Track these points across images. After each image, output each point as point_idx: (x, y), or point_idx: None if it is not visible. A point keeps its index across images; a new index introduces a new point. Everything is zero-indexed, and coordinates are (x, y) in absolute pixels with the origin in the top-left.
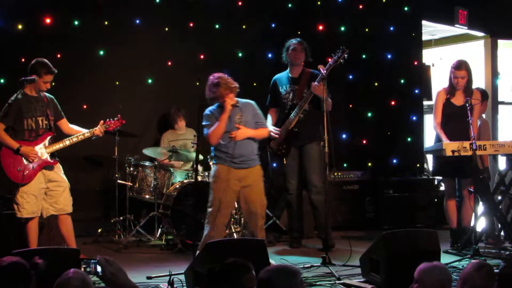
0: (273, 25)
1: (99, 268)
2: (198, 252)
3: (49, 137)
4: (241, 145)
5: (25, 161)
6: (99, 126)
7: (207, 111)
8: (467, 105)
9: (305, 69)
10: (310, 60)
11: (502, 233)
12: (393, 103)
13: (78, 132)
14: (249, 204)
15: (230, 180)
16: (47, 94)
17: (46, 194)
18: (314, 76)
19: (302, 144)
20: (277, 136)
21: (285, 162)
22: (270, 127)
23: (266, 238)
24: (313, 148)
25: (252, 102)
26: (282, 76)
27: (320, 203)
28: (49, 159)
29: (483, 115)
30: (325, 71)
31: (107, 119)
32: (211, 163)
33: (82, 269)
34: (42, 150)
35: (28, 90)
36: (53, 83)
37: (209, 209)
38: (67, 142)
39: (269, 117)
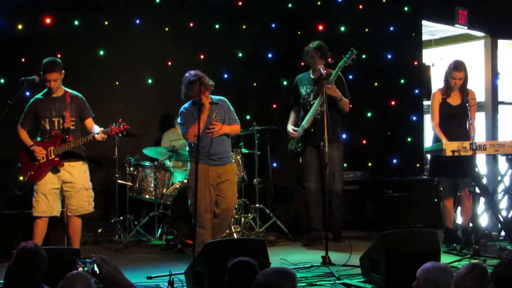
0: (273, 25)
1: (96, 268)
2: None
3: (61, 139)
4: (217, 142)
5: (34, 161)
6: (100, 132)
7: (182, 109)
8: (466, 105)
9: (326, 70)
10: (330, 62)
11: (502, 233)
12: (393, 103)
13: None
14: (226, 199)
15: (209, 176)
16: (73, 93)
17: (63, 195)
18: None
19: (319, 145)
20: (294, 135)
21: (300, 161)
22: (288, 127)
23: (266, 238)
24: (332, 152)
25: (225, 98)
26: (304, 77)
27: (337, 205)
28: (56, 160)
29: None
30: (325, 72)
31: (111, 124)
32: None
33: (80, 268)
34: (51, 151)
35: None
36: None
37: (192, 208)
38: (71, 144)
39: (291, 116)
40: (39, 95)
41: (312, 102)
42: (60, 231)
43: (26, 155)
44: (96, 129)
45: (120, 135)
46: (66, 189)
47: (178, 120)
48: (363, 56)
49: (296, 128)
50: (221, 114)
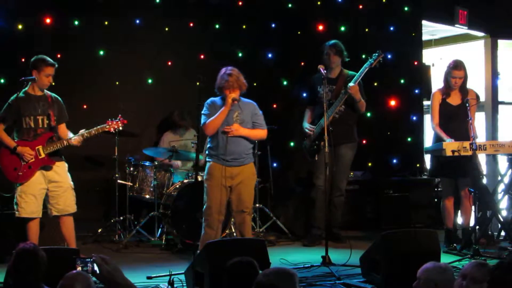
0: (273, 25)
1: (96, 267)
2: (198, 251)
3: (48, 137)
4: (233, 142)
5: (22, 161)
6: (99, 128)
7: (209, 101)
8: (466, 105)
9: (343, 70)
10: (345, 60)
11: (502, 233)
12: (393, 103)
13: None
14: (240, 201)
15: (224, 177)
16: (52, 95)
17: (48, 195)
18: (351, 77)
19: (335, 143)
20: (311, 133)
21: (316, 159)
22: (305, 124)
23: (266, 238)
24: (345, 151)
25: (254, 102)
26: (321, 76)
27: (340, 204)
28: (47, 159)
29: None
30: (325, 72)
31: (108, 119)
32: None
33: (79, 268)
34: (40, 150)
35: (31, 88)
36: (53, 83)
37: (205, 207)
38: (64, 142)
39: (306, 114)
40: (20, 94)
41: (332, 101)
42: (60, 231)
43: (8, 155)
44: (70, 135)
45: (117, 131)
46: (52, 189)
47: (202, 110)
48: (363, 56)
49: (313, 126)
50: (244, 116)
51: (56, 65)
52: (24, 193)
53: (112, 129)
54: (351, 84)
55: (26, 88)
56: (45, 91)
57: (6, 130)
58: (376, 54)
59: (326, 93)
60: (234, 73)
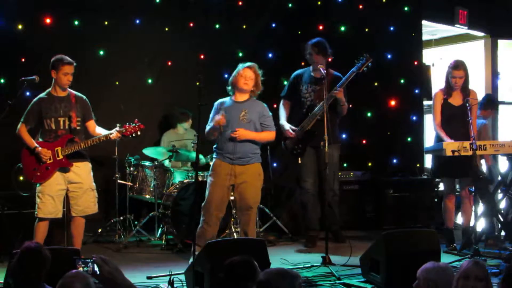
0: (273, 25)
1: (96, 268)
2: (194, 247)
3: (68, 139)
4: (240, 143)
5: (40, 162)
6: (115, 131)
7: (217, 102)
8: (467, 105)
9: (329, 70)
10: (329, 58)
11: (502, 233)
12: (393, 103)
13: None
14: (243, 200)
15: (227, 175)
16: (77, 94)
17: (68, 195)
18: (336, 79)
19: (319, 145)
20: (293, 135)
21: (299, 162)
22: (286, 125)
23: (266, 238)
24: (332, 152)
25: (263, 103)
26: (305, 73)
27: (335, 204)
28: (65, 161)
29: (486, 121)
30: (325, 71)
31: (125, 123)
32: (211, 163)
33: (80, 268)
34: (59, 152)
35: (54, 89)
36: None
37: (204, 202)
38: (82, 144)
39: (282, 109)
40: (42, 95)
41: (313, 103)
42: (60, 231)
43: (29, 155)
44: (101, 130)
45: (134, 135)
46: (72, 190)
47: (211, 113)
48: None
49: (294, 128)
50: (251, 115)
51: (75, 64)
52: (42, 193)
53: (128, 133)
54: (337, 89)
55: (50, 89)
56: (70, 90)
57: (33, 130)
58: (364, 58)
59: (310, 93)
60: (254, 70)
